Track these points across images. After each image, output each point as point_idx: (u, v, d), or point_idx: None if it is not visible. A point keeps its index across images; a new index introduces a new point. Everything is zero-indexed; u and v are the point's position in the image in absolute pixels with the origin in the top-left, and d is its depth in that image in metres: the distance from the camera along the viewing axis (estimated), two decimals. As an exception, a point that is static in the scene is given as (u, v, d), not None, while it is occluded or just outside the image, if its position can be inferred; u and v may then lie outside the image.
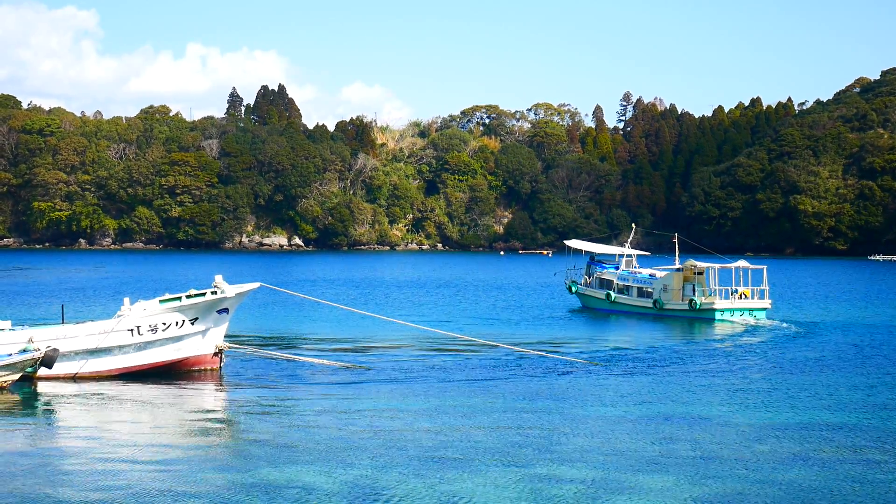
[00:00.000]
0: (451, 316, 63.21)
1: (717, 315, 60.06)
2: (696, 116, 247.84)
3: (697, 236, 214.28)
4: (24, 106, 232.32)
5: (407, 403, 29.52)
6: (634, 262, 71.35)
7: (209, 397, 32.28)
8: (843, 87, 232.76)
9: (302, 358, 38.59)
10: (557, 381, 34.03)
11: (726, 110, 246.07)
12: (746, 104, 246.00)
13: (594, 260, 72.21)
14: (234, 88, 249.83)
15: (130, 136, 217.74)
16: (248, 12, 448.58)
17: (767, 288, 62.28)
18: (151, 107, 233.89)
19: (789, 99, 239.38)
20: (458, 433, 25.12)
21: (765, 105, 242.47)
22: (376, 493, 19.70)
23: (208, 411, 29.80)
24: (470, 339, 45.50)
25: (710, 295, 61.62)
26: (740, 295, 61.50)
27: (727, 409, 29.00)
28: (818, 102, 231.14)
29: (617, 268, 69.53)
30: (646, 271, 67.80)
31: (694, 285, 62.38)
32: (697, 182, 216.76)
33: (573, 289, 70.95)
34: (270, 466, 21.63)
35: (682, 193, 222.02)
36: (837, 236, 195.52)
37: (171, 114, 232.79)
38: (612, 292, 66.89)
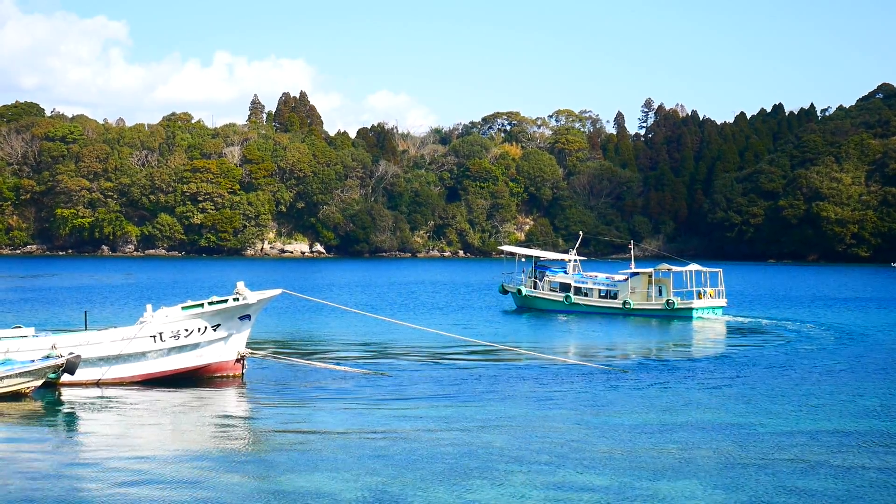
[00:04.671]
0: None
1: (695, 314, 65.97)
2: (718, 123, 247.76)
3: (719, 243, 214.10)
4: (48, 113, 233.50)
5: (427, 410, 29.47)
6: (579, 267, 75.17)
7: (231, 404, 32.31)
8: (866, 93, 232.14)
9: (324, 365, 38.59)
10: (579, 388, 33.91)
11: (748, 117, 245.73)
12: (768, 110, 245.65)
13: (538, 264, 75.98)
14: (255, 95, 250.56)
15: (153, 143, 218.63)
16: (276, 21, 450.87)
17: (723, 288, 69.12)
18: (174, 114, 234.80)
19: (811, 105, 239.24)
20: (478, 440, 25.06)
21: (787, 111, 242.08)
22: (398, 500, 19.68)
23: (230, 418, 29.82)
24: (489, 344, 45.55)
25: (677, 297, 67.19)
26: (710, 295, 67.61)
27: (750, 416, 28.81)
28: (841, 108, 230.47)
29: (565, 272, 73.73)
30: (601, 275, 72.95)
31: (661, 287, 68.08)
32: (719, 189, 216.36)
33: (523, 291, 73.63)
34: (292, 473, 21.63)
35: (703, 200, 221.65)
36: (861, 243, 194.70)
37: (192, 121, 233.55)
38: (570, 294, 70.69)
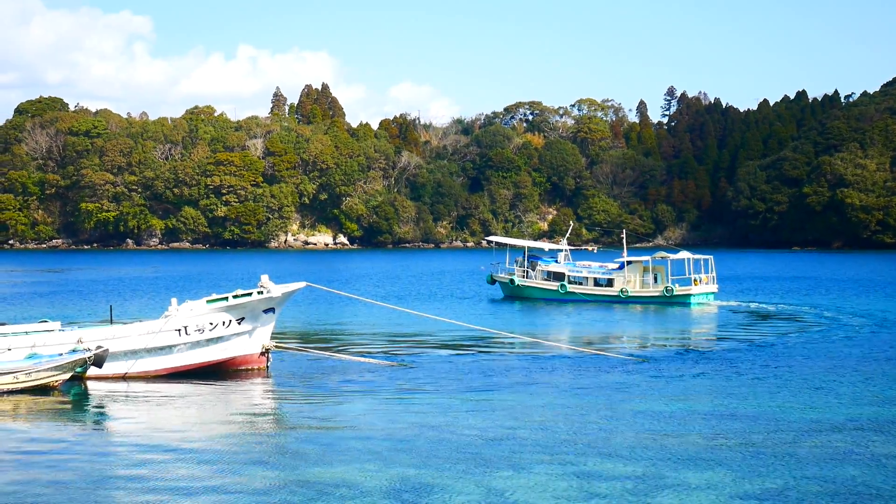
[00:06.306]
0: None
1: (693, 300, 67.94)
2: (742, 110, 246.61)
3: (743, 231, 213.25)
4: (72, 108, 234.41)
5: (452, 401, 29.55)
6: (569, 256, 76.99)
7: (256, 396, 32.48)
8: (891, 79, 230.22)
9: (347, 356, 38.72)
10: (601, 378, 33.95)
11: (771, 104, 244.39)
12: (792, 97, 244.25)
13: (529, 254, 77.28)
14: (277, 88, 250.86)
15: (176, 136, 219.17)
16: (299, 14, 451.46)
17: (715, 275, 71.35)
18: (196, 107, 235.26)
19: (835, 91, 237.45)
20: (504, 430, 25.12)
21: (810, 97, 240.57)
22: (423, 491, 19.76)
23: (256, 410, 30.00)
24: (516, 335, 45.61)
25: (675, 284, 69.05)
26: (705, 282, 69.78)
27: (773, 403, 28.78)
28: (865, 94, 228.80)
29: (556, 261, 75.23)
30: (594, 264, 74.71)
31: (656, 274, 70.16)
32: (743, 176, 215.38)
33: (515, 281, 74.72)
34: (318, 465, 21.75)
35: (727, 188, 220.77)
36: (886, 230, 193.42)
37: (215, 114, 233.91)
38: (564, 283, 71.88)
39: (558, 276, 72.89)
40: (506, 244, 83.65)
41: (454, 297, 75.87)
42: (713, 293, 69.76)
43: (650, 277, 69.96)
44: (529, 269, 74.85)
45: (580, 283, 72.02)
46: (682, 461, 21.92)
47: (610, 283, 70.82)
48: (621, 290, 69.62)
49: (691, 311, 63.84)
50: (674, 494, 19.56)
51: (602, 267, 73.04)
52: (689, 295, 68.03)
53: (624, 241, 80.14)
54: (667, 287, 68.55)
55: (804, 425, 25.74)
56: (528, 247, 79.41)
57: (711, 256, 72.62)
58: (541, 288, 73.35)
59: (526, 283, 74.29)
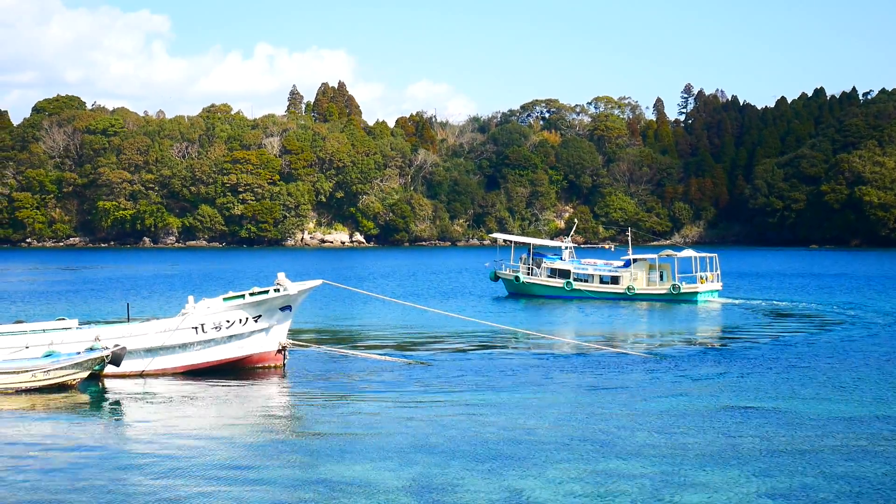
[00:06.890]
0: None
1: (700, 297, 68.20)
2: (759, 108, 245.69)
3: (761, 229, 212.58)
4: (89, 106, 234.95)
5: (469, 398, 29.48)
6: (573, 254, 77.50)
7: (273, 394, 32.46)
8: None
9: (364, 354, 38.67)
10: (619, 376, 33.82)
11: (789, 101, 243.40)
12: (810, 94, 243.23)
13: (534, 251, 77.21)
14: (294, 86, 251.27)
15: (193, 134, 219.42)
16: (317, 12, 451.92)
17: (719, 272, 71.87)
18: (213, 105, 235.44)
19: (854, 88, 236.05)
20: (520, 429, 25.03)
21: (828, 95, 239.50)
22: (441, 489, 19.69)
23: (273, 408, 29.98)
24: (533, 333, 45.53)
25: (683, 282, 69.37)
26: (710, 279, 70.14)
27: (793, 401, 28.62)
28: (883, 91, 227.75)
29: (561, 259, 75.56)
30: (600, 262, 75.13)
31: (662, 272, 70.41)
32: (760, 174, 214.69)
33: (521, 278, 74.74)
34: (335, 463, 21.70)
35: (745, 186, 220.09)
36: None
37: (232, 112, 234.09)
38: (570, 281, 72.13)
39: (564, 274, 73.04)
40: (511, 241, 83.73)
41: (462, 295, 75.87)
42: (718, 291, 70.21)
43: (656, 275, 70.24)
44: (534, 267, 74.95)
45: (586, 281, 72.24)
46: (704, 459, 21.79)
47: (615, 280, 70.97)
48: (628, 288, 69.73)
49: (699, 309, 63.89)
50: (696, 493, 19.45)
51: (608, 264, 73.35)
52: (696, 293, 68.28)
53: (629, 239, 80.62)
54: (673, 285, 68.83)
55: (826, 423, 25.58)
56: (533, 244, 79.40)
57: (716, 254, 73.03)
58: (546, 285, 73.47)
59: (531, 281, 74.40)
